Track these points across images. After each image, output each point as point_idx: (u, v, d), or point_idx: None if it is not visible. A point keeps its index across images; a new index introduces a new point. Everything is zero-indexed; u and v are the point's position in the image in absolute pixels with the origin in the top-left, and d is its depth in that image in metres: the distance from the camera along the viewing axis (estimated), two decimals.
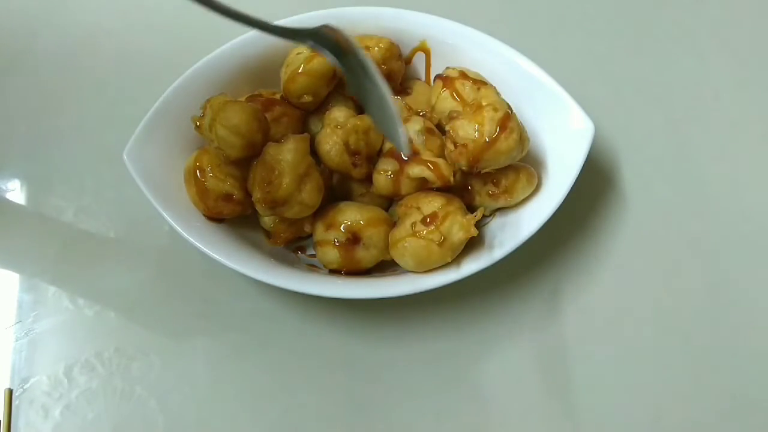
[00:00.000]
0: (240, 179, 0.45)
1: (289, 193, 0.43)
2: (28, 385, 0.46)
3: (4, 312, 0.49)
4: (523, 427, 0.46)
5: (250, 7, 0.59)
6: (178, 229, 0.44)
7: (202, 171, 0.45)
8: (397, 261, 0.44)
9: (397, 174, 0.45)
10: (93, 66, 0.57)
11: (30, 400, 0.46)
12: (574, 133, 0.47)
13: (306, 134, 0.45)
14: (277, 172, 0.43)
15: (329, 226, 0.45)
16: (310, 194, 0.44)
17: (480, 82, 0.48)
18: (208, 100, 0.45)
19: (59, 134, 0.54)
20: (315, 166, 0.45)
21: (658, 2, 0.61)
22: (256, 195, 0.43)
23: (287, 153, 0.43)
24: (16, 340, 0.48)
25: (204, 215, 0.46)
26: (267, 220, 0.47)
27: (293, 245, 0.49)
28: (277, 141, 0.44)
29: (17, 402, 0.46)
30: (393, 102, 0.38)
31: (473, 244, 0.45)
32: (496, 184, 0.46)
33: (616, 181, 0.53)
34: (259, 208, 0.44)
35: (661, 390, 0.47)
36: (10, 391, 0.46)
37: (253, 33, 0.49)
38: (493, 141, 0.43)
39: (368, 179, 0.47)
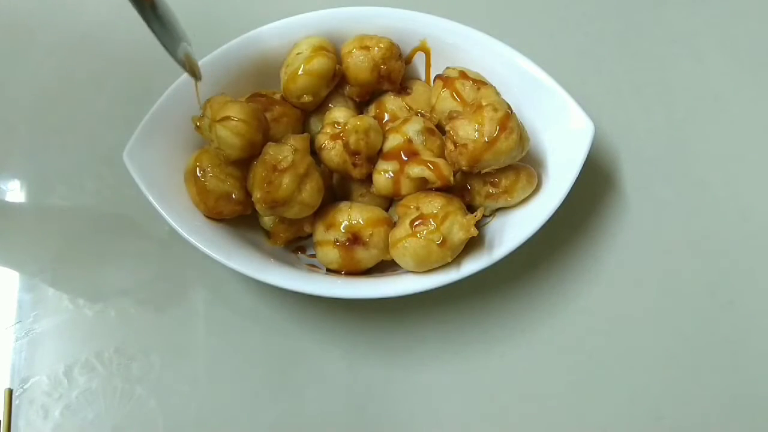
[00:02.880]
0: (240, 179, 0.45)
1: (290, 193, 0.43)
2: (28, 385, 0.46)
3: (4, 312, 0.49)
4: (523, 426, 0.46)
5: (251, 6, 0.59)
6: (178, 229, 0.44)
7: (202, 171, 0.45)
8: (397, 261, 0.44)
9: (397, 174, 0.45)
10: (93, 66, 0.57)
11: (30, 400, 0.46)
12: (574, 133, 0.47)
13: (306, 134, 0.45)
14: (277, 172, 0.43)
15: (329, 226, 0.45)
16: (310, 194, 0.44)
17: (480, 82, 0.48)
18: (208, 100, 0.45)
19: (59, 134, 0.54)
20: (315, 166, 0.45)
21: (658, 2, 0.61)
22: (256, 195, 0.43)
23: (287, 153, 0.43)
24: (16, 340, 0.48)
25: (204, 215, 0.46)
26: (267, 221, 0.47)
27: (293, 245, 0.49)
28: (277, 141, 0.44)
29: (17, 402, 0.46)
30: (175, 21, 0.41)
31: (473, 244, 0.45)
32: (496, 185, 0.46)
33: (616, 181, 0.53)
34: (259, 208, 0.44)
35: (661, 390, 0.47)
36: (10, 391, 0.46)
37: (252, 33, 0.50)
38: (493, 141, 0.43)
39: (368, 179, 0.47)
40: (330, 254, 0.45)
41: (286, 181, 0.43)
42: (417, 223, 0.43)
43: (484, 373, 0.47)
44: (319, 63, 0.47)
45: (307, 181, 0.44)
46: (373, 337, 0.48)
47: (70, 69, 0.57)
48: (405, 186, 0.45)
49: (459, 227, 0.43)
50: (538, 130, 0.49)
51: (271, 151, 0.43)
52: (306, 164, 0.44)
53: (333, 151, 0.46)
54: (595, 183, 0.53)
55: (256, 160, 0.44)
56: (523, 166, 0.47)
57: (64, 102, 0.56)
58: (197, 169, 0.46)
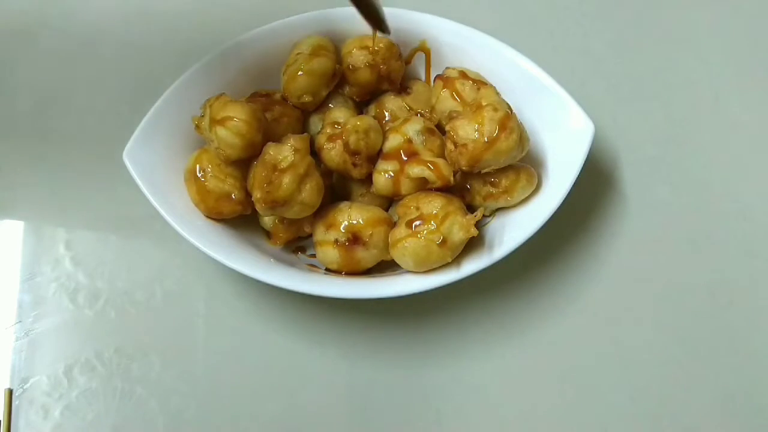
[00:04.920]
0: (240, 179, 0.45)
1: (290, 193, 0.43)
2: (28, 385, 0.46)
3: (4, 312, 0.49)
4: (523, 427, 0.46)
5: (252, 6, 0.59)
6: (178, 229, 0.44)
7: (202, 171, 0.45)
8: (397, 261, 0.44)
9: (397, 174, 0.45)
10: (93, 66, 0.57)
11: (30, 400, 0.46)
12: (574, 132, 0.47)
13: (306, 134, 0.45)
14: (277, 172, 0.43)
15: (329, 227, 0.45)
16: (310, 194, 0.44)
17: (480, 82, 0.48)
18: (207, 100, 0.45)
19: (59, 134, 0.54)
20: (315, 166, 0.45)
21: (658, 2, 0.61)
22: (256, 195, 0.43)
23: (287, 153, 0.43)
24: (16, 340, 0.48)
25: (204, 215, 0.46)
26: (267, 221, 0.47)
27: (293, 245, 0.49)
28: (277, 141, 0.44)
29: (17, 402, 0.46)
30: None
31: (473, 244, 0.45)
32: (496, 184, 0.46)
33: (616, 181, 0.53)
34: (259, 207, 0.44)
35: (660, 390, 0.47)
36: (10, 391, 0.46)
37: (252, 33, 0.50)
38: (493, 141, 0.43)
39: (368, 179, 0.47)
40: (330, 254, 0.45)
41: (286, 181, 0.43)
42: (417, 223, 0.43)
43: (484, 373, 0.47)
44: (319, 63, 0.47)
45: (307, 181, 0.44)
46: (372, 337, 0.48)
47: (70, 69, 0.57)
48: (405, 186, 0.45)
49: (459, 227, 0.43)
50: (538, 130, 0.49)
51: (271, 151, 0.43)
52: (306, 164, 0.44)
53: (333, 151, 0.46)
54: (595, 183, 0.53)
55: (256, 160, 0.44)
56: (523, 166, 0.47)
57: (64, 102, 0.56)
58: (197, 169, 0.46)
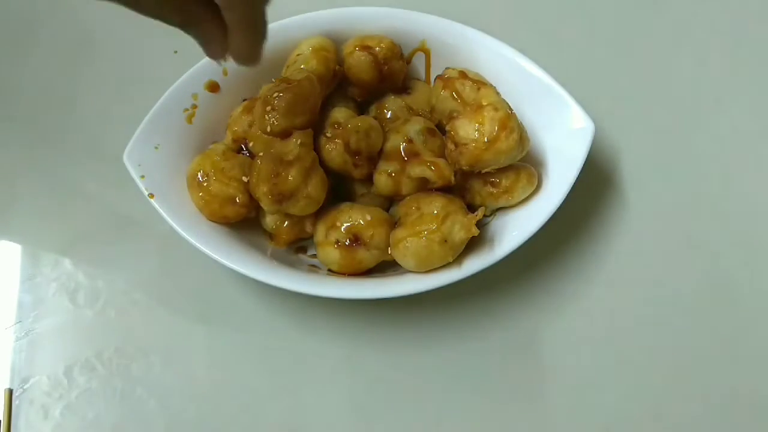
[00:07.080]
0: (243, 182, 0.45)
1: (296, 186, 0.43)
2: (28, 385, 0.46)
3: (4, 312, 0.49)
4: (524, 427, 0.46)
5: None
6: (179, 229, 0.44)
7: (205, 176, 0.45)
8: (399, 261, 0.44)
9: (398, 174, 0.45)
10: (93, 66, 0.57)
11: (30, 400, 0.46)
12: (575, 132, 0.47)
13: (309, 129, 0.45)
14: (283, 165, 0.43)
15: (330, 227, 0.45)
16: (315, 188, 0.44)
17: (480, 83, 0.48)
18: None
19: (59, 134, 0.54)
20: (318, 161, 0.44)
21: (659, 2, 0.61)
22: (263, 189, 0.43)
23: (293, 146, 0.43)
24: (16, 340, 0.48)
25: (210, 220, 0.46)
26: (269, 221, 0.47)
27: (294, 246, 0.49)
28: (281, 137, 0.44)
29: (17, 402, 0.46)
30: None
31: (474, 243, 0.45)
32: (497, 184, 0.46)
33: (616, 181, 0.53)
34: (265, 203, 0.43)
35: (660, 390, 0.47)
36: (10, 391, 0.46)
37: None
38: (494, 141, 0.43)
39: (369, 179, 0.47)
40: (331, 255, 0.45)
41: (293, 173, 0.43)
42: (418, 223, 0.43)
43: (484, 373, 0.47)
44: (319, 64, 0.47)
45: (312, 175, 0.44)
46: (373, 337, 0.48)
47: (70, 69, 0.57)
48: (406, 186, 0.45)
49: (460, 227, 0.43)
50: (538, 130, 0.49)
51: (277, 145, 0.43)
52: (311, 158, 0.44)
53: (334, 152, 0.46)
54: (595, 183, 0.53)
55: (258, 158, 0.44)
56: (524, 165, 0.47)
57: (64, 102, 0.56)
58: (199, 174, 0.45)
